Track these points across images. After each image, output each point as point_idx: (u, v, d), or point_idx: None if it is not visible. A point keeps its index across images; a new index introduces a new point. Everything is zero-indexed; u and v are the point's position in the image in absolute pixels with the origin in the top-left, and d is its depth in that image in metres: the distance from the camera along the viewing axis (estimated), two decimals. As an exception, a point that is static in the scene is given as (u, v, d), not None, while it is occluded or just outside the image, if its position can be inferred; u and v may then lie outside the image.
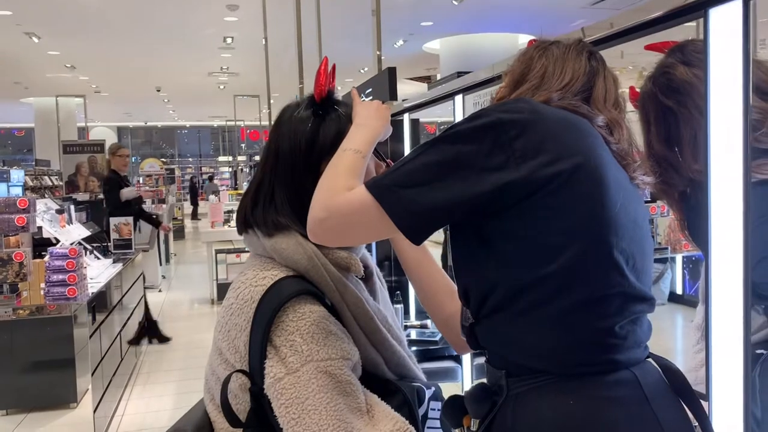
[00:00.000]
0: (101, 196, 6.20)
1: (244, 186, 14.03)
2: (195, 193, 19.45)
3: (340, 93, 1.24)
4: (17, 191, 8.58)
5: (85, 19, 8.96)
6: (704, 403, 1.11)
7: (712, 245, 1.13)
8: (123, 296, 4.87)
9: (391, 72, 3.09)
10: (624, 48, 1.46)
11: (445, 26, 9.49)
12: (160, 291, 8.01)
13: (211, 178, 22.76)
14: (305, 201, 1.06)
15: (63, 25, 9.34)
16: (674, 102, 1.41)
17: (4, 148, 27.65)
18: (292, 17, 5.80)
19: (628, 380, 0.99)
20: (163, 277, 8.83)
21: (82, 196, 6.08)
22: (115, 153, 5.71)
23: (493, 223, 0.99)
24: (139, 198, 6.53)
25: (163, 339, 5.77)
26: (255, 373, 1.04)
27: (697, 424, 1.05)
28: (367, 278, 1.23)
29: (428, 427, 1.16)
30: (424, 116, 3.94)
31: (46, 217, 4.39)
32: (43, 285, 3.80)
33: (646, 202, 1.16)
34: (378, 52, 4.29)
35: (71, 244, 4.26)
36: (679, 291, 3.12)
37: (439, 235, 2.94)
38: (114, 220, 5.41)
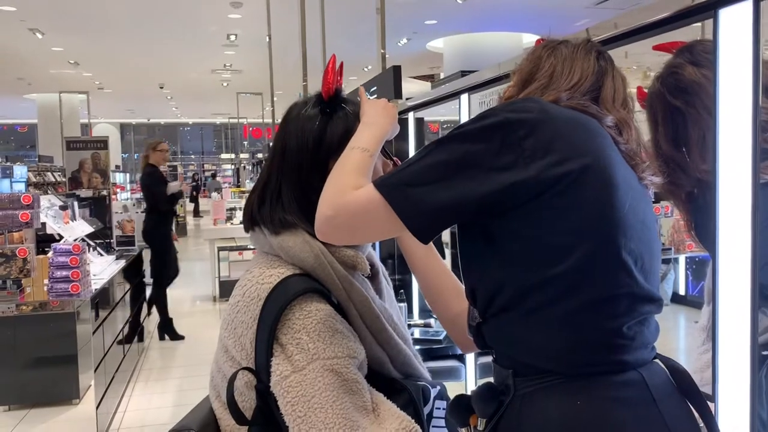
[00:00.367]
0: (104, 192, 6.18)
1: (247, 183, 14.03)
2: (197, 190, 19.46)
3: (344, 91, 1.24)
4: (20, 187, 8.58)
5: (89, 15, 8.97)
6: (710, 405, 1.10)
7: (719, 246, 1.13)
8: (126, 293, 4.88)
9: (396, 70, 3.08)
10: (628, 48, 1.45)
11: (449, 25, 9.49)
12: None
13: (214, 176, 22.81)
14: (312, 199, 1.06)
15: (67, 21, 9.35)
16: (682, 102, 1.40)
17: (7, 144, 27.72)
18: (296, 15, 5.80)
19: (636, 381, 0.99)
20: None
21: (85, 193, 6.06)
22: (155, 148, 5.69)
23: (501, 222, 0.99)
24: (180, 193, 6.41)
25: (176, 337, 5.76)
26: (261, 371, 1.04)
27: (703, 425, 1.04)
28: (373, 276, 1.22)
29: (433, 426, 1.16)
30: (428, 115, 3.94)
31: (49, 213, 4.39)
32: (46, 281, 3.81)
33: (650, 202, 1.15)
34: (382, 51, 4.28)
35: (74, 240, 4.26)
36: (681, 292, 3.12)
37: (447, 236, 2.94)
38: (117, 218, 5.41)
